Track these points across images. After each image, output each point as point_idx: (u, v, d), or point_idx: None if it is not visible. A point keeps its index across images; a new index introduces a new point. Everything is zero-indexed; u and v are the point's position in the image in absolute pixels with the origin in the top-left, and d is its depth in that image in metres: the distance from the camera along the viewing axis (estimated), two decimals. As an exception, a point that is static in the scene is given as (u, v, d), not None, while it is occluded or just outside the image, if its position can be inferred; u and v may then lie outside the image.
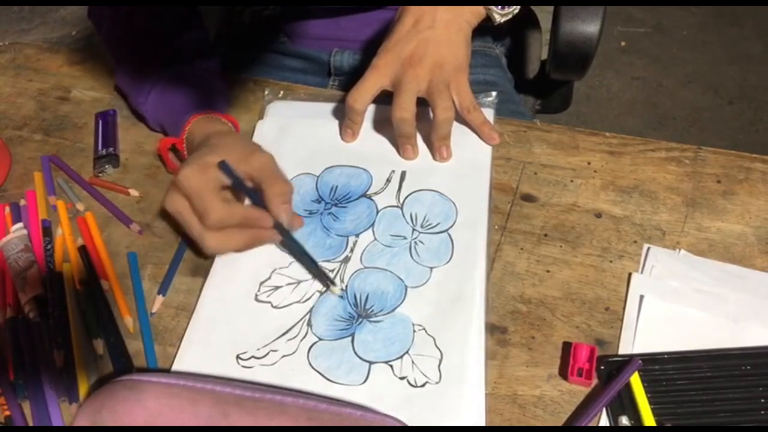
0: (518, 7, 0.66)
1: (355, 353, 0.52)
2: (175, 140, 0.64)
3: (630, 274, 0.55)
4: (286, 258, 0.58)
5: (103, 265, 0.59)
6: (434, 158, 0.64)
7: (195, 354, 0.53)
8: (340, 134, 0.67)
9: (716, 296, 0.53)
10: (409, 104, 0.61)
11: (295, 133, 0.68)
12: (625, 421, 0.47)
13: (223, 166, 0.55)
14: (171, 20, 0.71)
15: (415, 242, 0.58)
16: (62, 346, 0.53)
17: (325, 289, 0.56)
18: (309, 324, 0.54)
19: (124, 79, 0.72)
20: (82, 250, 0.60)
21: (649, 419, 0.46)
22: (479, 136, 0.65)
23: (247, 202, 0.59)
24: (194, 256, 0.59)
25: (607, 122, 1.80)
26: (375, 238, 0.59)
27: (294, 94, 0.72)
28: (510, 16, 0.66)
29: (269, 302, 0.55)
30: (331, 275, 0.56)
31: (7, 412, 0.50)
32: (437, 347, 0.51)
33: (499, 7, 0.65)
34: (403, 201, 0.61)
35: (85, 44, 2.11)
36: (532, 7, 0.93)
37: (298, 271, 0.57)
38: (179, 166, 0.57)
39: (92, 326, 0.55)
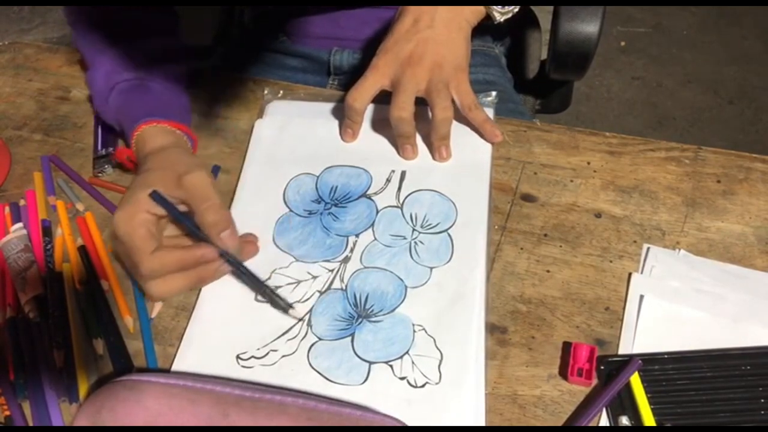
0: (518, 6, 0.66)
1: (355, 353, 0.52)
2: (128, 151, 0.63)
3: (630, 274, 0.55)
4: (286, 258, 0.58)
5: (103, 265, 0.59)
6: (434, 158, 0.64)
7: (195, 354, 0.53)
8: (340, 134, 0.67)
9: (716, 296, 0.53)
10: (407, 104, 0.61)
11: (294, 133, 0.68)
12: (625, 421, 0.47)
13: (155, 197, 0.53)
14: (142, 25, 0.69)
15: (415, 242, 0.58)
16: (62, 346, 0.53)
17: (325, 288, 0.56)
18: (309, 324, 0.54)
19: (90, 83, 0.70)
20: (82, 250, 0.60)
21: (649, 419, 0.46)
22: (481, 135, 0.65)
23: None
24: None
25: (607, 122, 1.80)
26: (375, 238, 0.59)
27: (293, 93, 0.72)
28: (510, 15, 0.66)
29: (269, 302, 0.55)
30: (287, 300, 0.54)
31: (7, 412, 0.50)
32: (437, 348, 0.51)
33: (499, 6, 0.65)
34: (403, 201, 0.61)
35: (85, 44, 2.10)
36: (532, 7, 0.93)
37: (298, 271, 0.57)
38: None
39: (92, 326, 0.55)
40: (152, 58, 0.67)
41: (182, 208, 0.55)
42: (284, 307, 0.54)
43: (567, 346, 0.51)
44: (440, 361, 0.50)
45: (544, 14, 0.90)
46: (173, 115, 0.64)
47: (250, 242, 0.57)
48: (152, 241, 0.52)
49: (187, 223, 0.54)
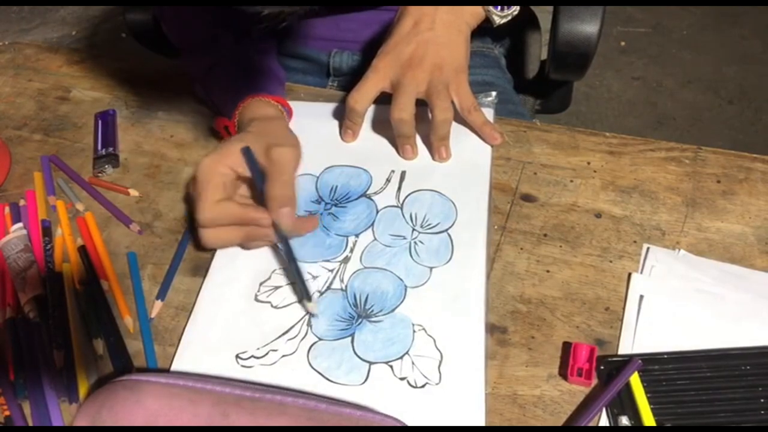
0: (517, 8, 0.66)
1: (355, 353, 0.51)
2: (227, 122, 0.66)
3: (630, 274, 0.55)
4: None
5: (102, 265, 0.59)
6: (433, 158, 0.64)
7: (194, 354, 0.53)
8: (340, 134, 0.67)
9: (716, 296, 0.53)
10: (407, 105, 0.61)
11: (294, 133, 0.67)
12: (625, 421, 0.47)
13: (246, 153, 0.56)
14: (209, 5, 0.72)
15: (415, 242, 0.58)
16: (62, 346, 0.53)
17: (325, 288, 0.56)
18: (309, 324, 0.54)
19: (187, 63, 0.73)
20: (82, 250, 0.60)
21: (649, 419, 0.46)
22: (480, 137, 0.65)
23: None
24: (194, 255, 0.60)
25: (607, 122, 1.80)
26: (375, 238, 0.59)
27: (294, 94, 0.72)
28: (509, 17, 0.66)
29: (269, 302, 0.55)
30: (311, 292, 0.54)
31: (7, 412, 0.50)
32: (437, 348, 0.51)
33: (498, 8, 0.65)
34: (403, 201, 0.61)
35: (85, 44, 2.11)
36: (532, 7, 0.93)
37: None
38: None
39: (92, 326, 0.55)
40: (246, 30, 0.71)
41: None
42: (303, 296, 0.54)
43: (567, 346, 0.51)
44: (440, 362, 0.50)
45: (544, 14, 0.90)
46: (272, 88, 0.68)
47: (309, 220, 0.59)
48: (220, 192, 0.55)
49: (259, 186, 0.56)
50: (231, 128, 0.65)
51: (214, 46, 0.71)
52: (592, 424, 0.47)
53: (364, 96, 0.63)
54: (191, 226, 0.60)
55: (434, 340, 0.52)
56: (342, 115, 0.66)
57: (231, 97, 0.66)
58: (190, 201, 0.61)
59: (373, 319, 0.53)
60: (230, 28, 0.71)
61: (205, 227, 0.55)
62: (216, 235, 0.55)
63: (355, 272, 0.57)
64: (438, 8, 0.63)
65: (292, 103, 0.71)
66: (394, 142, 0.65)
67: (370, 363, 0.51)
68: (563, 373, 0.50)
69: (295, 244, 0.58)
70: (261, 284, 0.56)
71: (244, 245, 0.58)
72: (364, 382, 0.50)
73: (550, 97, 0.96)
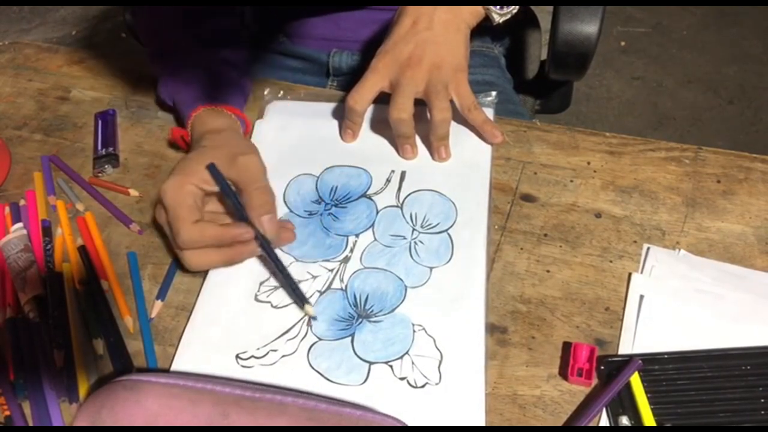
0: (517, 6, 0.66)
1: (355, 353, 0.51)
2: (183, 131, 0.65)
3: (630, 274, 0.55)
4: (286, 258, 0.58)
5: (102, 265, 0.59)
6: (433, 158, 0.64)
7: (194, 354, 0.53)
8: (340, 135, 0.67)
9: (716, 296, 0.53)
10: (406, 105, 0.61)
11: (294, 133, 0.68)
12: (625, 421, 0.47)
13: (212, 170, 0.55)
14: (200, 6, 0.71)
15: (415, 242, 0.58)
16: (62, 346, 0.53)
17: (325, 288, 0.56)
18: (309, 324, 0.54)
19: (154, 66, 0.72)
20: (82, 250, 0.60)
21: (649, 419, 0.46)
22: (481, 136, 0.65)
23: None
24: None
25: (607, 122, 1.80)
26: (375, 239, 0.59)
27: (294, 93, 0.72)
28: (509, 16, 0.66)
29: (269, 302, 0.55)
30: (305, 295, 0.54)
31: (7, 412, 0.50)
32: (437, 348, 0.51)
33: (498, 7, 0.65)
34: (403, 201, 0.61)
35: (85, 44, 2.11)
36: (532, 7, 0.93)
37: (298, 271, 0.57)
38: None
39: (92, 326, 0.55)
40: (213, 40, 0.70)
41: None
42: (300, 301, 0.54)
43: (567, 346, 0.51)
44: (440, 362, 0.50)
45: (543, 14, 0.90)
46: (231, 99, 0.67)
47: (287, 229, 0.58)
48: (196, 212, 0.54)
49: (234, 201, 0.55)
50: (186, 137, 0.65)
51: (180, 52, 0.69)
52: (592, 424, 0.47)
53: (363, 96, 0.63)
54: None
55: (434, 340, 0.52)
56: (342, 115, 0.66)
57: (186, 106, 0.65)
58: (159, 228, 0.60)
59: (373, 319, 0.53)
60: (200, 36, 0.69)
61: (187, 249, 0.54)
62: (199, 257, 0.54)
63: (355, 272, 0.57)
64: (437, 7, 0.63)
65: (292, 103, 0.71)
66: (393, 142, 0.65)
67: (370, 363, 0.51)
68: (563, 373, 0.50)
69: (295, 243, 0.59)
70: (261, 284, 0.56)
71: (230, 263, 0.56)
72: (364, 382, 0.50)
73: (550, 97, 0.96)
